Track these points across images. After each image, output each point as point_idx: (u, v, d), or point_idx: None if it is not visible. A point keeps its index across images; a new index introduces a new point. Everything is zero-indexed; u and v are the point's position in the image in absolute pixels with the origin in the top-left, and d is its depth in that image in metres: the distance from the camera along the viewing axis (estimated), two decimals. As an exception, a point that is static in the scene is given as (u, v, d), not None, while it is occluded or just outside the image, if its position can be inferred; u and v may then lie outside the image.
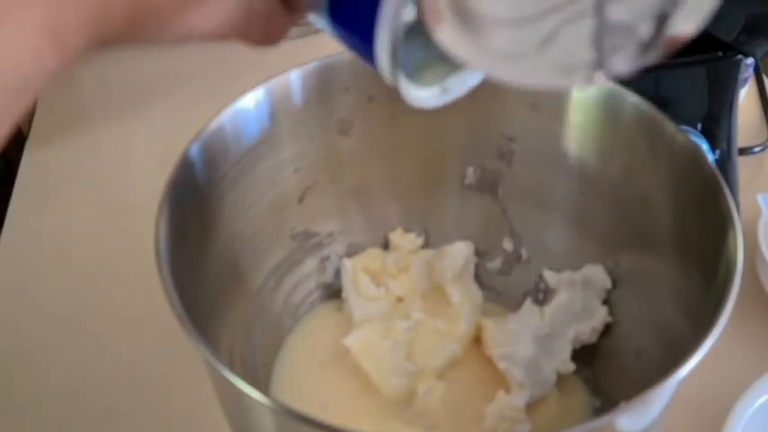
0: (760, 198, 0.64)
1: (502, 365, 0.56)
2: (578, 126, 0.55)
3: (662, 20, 0.26)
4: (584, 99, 0.54)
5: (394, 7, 0.30)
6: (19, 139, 0.77)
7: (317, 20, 0.35)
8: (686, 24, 0.27)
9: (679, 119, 0.51)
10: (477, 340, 0.59)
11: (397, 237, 0.62)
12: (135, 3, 0.30)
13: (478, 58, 0.29)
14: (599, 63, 0.27)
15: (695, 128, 0.60)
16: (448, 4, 0.28)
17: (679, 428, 0.51)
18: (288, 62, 0.53)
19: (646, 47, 0.27)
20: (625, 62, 0.27)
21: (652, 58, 0.28)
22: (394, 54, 0.31)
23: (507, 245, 0.61)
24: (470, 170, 0.60)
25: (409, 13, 0.30)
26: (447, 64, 0.32)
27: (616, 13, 0.27)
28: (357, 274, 0.60)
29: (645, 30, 0.27)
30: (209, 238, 0.51)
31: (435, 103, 0.34)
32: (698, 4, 0.27)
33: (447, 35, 0.29)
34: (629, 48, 0.27)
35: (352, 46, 0.34)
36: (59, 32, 0.29)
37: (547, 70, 0.28)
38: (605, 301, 0.57)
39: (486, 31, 0.28)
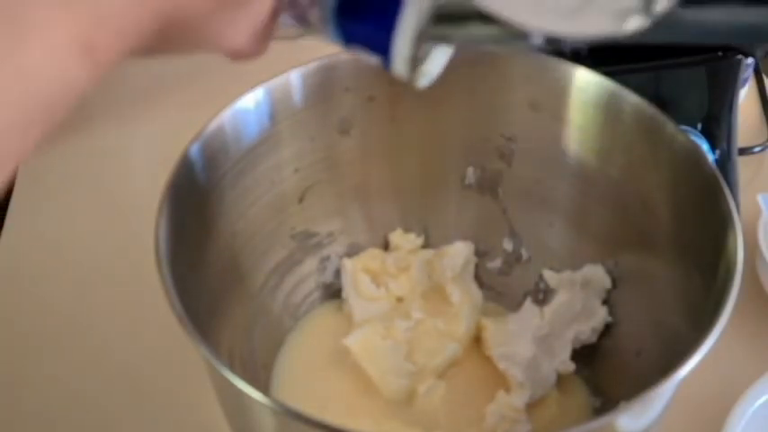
0: (760, 198, 0.64)
1: (502, 365, 0.56)
2: (578, 126, 0.55)
3: None
4: (584, 99, 0.54)
5: None
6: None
7: (315, 28, 0.37)
8: None
9: (679, 119, 0.51)
10: (477, 340, 0.59)
11: (397, 237, 0.62)
12: (166, 19, 0.31)
13: (534, 19, 0.32)
14: (644, 7, 0.30)
15: (695, 128, 0.60)
16: None
17: (679, 428, 0.51)
18: (288, 62, 0.53)
19: None
20: (664, 3, 0.30)
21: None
22: (416, 41, 0.34)
23: (507, 245, 0.61)
24: (470, 170, 0.60)
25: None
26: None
27: None
28: (357, 274, 0.60)
29: None
30: (209, 238, 0.51)
31: (425, 84, 0.39)
32: None
33: (501, 3, 0.32)
34: None
35: (363, 40, 0.36)
36: (92, 50, 0.29)
37: (598, 19, 0.31)
38: (605, 301, 0.57)
39: None
